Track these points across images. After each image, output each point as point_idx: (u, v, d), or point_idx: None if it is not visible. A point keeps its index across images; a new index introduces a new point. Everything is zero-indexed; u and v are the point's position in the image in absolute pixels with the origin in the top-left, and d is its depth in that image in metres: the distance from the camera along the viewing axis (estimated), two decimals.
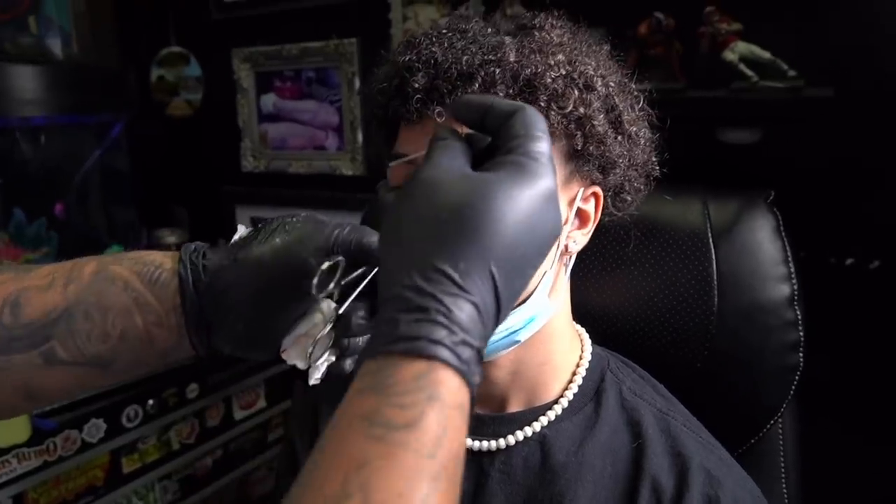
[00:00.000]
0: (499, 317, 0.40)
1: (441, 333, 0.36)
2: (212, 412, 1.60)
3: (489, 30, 0.64)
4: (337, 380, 0.56)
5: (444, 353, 0.36)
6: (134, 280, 0.51)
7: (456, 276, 0.37)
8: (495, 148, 0.44)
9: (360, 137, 1.76)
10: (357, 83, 1.73)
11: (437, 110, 0.60)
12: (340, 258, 0.50)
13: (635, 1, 1.33)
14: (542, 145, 0.43)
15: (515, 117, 0.44)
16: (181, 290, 0.51)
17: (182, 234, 1.98)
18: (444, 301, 0.37)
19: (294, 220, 0.54)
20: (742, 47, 1.25)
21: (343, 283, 0.50)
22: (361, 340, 0.54)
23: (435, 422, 0.35)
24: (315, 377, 0.56)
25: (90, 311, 0.50)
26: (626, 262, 0.82)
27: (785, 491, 0.82)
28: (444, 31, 0.64)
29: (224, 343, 0.53)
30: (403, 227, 0.41)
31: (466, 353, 0.37)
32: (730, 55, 1.26)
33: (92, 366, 0.51)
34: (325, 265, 0.49)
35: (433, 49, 0.61)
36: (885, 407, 1.15)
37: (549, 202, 0.42)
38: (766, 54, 1.24)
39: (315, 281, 0.49)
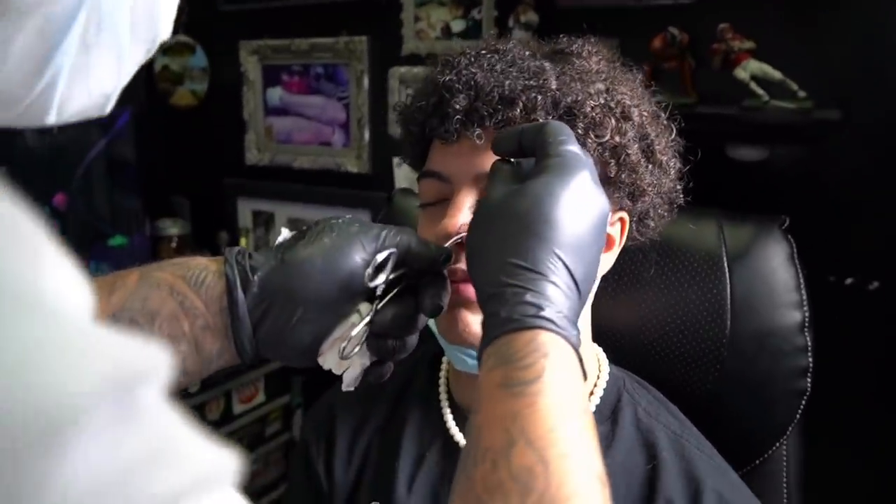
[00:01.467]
0: (580, 291, 0.48)
1: (533, 310, 0.45)
2: (211, 406, 1.61)
3: (527, 53, 0.64)
4: (375, 384, 0.58)
5: (542, 322, 0.44)
6: (179, 284, 0.51)
7: (528, 265, 0.46)
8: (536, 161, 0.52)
9: (366, 135, 1.76)
10: (366, 81, 1.73)
11: (476, 132, 0.60)
12: (393, 250, 0.53)
13: (650, 15, 1.34)
14: (568, 146, 0.50)
15: (543, 130, 0.52)
16: (228, 291, 0.51)
17: (184, 224, 1.98)
18: (527, 285, 0.46)
19: (340, 221, 0.55)
20: (754, 66, 1.27)
21: (391, 278, 0.53)
22: (398, 343, 0.56)
23: (556, 370, 0.43)
24: (347, 383, 0.56)
25: (136, 317, 0.49)
26: (643, 283, 0.83)
27: None
28: (483, 51, 0.64)
29: (268, 346, 0.53)
30: (480, 244, 0.50)
31: (559, 318, 0.45)
32: (741, 73, 1.27)
33: None
34: (380, 257, 0.53)
35: (473, 70, 0.61)
36: (885, 430, 1.18)
37: (590, 186, 0.49)
38: (778, 74, 1.25)
39: (369, 271, 0.52)
